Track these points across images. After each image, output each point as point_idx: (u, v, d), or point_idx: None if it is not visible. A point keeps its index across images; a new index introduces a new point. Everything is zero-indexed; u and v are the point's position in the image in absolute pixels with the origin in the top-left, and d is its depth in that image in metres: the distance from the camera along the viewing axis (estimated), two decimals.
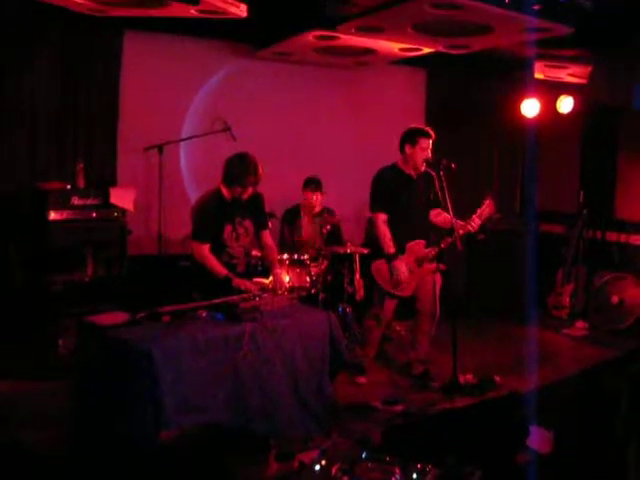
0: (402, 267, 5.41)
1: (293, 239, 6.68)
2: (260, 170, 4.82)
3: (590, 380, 5.39)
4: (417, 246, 5.52)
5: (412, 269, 5.47)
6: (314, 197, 6.69)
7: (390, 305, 5.59)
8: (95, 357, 3.91)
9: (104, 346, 3.86)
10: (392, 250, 5.41)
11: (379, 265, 5.48)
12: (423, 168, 5.53)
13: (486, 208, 5.45)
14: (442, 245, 5.47)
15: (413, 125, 5.62)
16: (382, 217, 5.45)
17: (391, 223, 5.45)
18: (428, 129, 5.53)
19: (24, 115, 6.23)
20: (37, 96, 6.28)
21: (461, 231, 5.31)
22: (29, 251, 6.01)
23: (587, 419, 4.24)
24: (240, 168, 4.78)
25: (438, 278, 5.65)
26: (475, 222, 5.36)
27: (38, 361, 5.55)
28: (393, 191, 5.48)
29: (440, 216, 5.66)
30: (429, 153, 5.47)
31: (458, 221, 5.35)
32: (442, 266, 5.64)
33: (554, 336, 7.30)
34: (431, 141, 5.47)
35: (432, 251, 5.51)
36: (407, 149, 5.48)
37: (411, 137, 5.48)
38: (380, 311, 5.61)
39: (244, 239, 4.98)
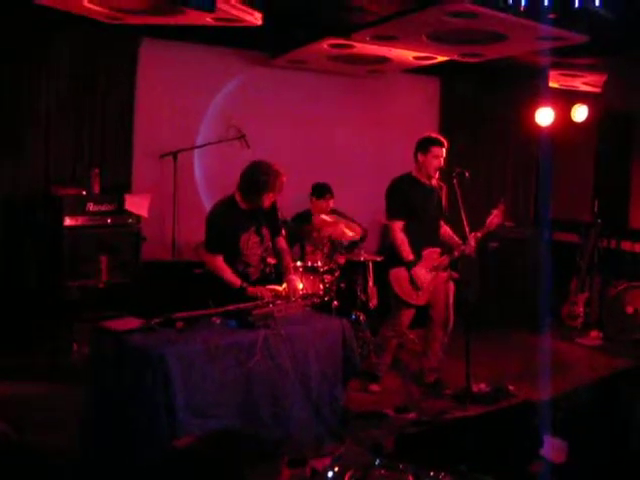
0: (423, 272, 5.41)
1: (303, 245, 6.67)
2: (284, 178, 4.80)
3: (604, 390, 5.36)
4: (432, 254, 5.51)
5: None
6: (325, 205, 6.70)
7: (407, 314, 5.58)
8: (109, 362, 3.92)
9: (118, 351, 3.87)
10: (411, 257, 5.40)
11: (397, 273, 5.46)
12: (437, 176, 5.54)
13: (494, 218, 5.51)
14: (455, 253, 5.49)
15: (427, 134, 5.62)
16: (398, 225, 5.44)
17: (407, 231, 5.45)
18: (441, 138, 5.52)
19: (40, 120, 6.29)
20: (53, 102, 6.34)
21: (456, 253, 5.48)
22: (44, 256, 6.05)
23: (601, 429, 4.21)
24: (264, 178, 4.72)
25: (450, 286, 5.65)
26: (471, 243, 5.42)
27: (53, 365, 5.59)
28: (409, 199, 5.48)
29: (442, 228, 5.72)
30: (442, 162, 5.47)
31: (457, 239, 5.56)
32: (454, 274, 5.64)
33: (568, 346, 7.25)
34: (444, 150, 5.47)
35: (445, 259, 5.53)
36: (420, 157, 5.48)
37: (424, 145, 5.47)
38: (397, 320, 5.61)
39: (260, 247, 4.94)
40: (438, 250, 5.54)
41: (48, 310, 5.92)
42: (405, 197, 5.49)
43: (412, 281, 5.40)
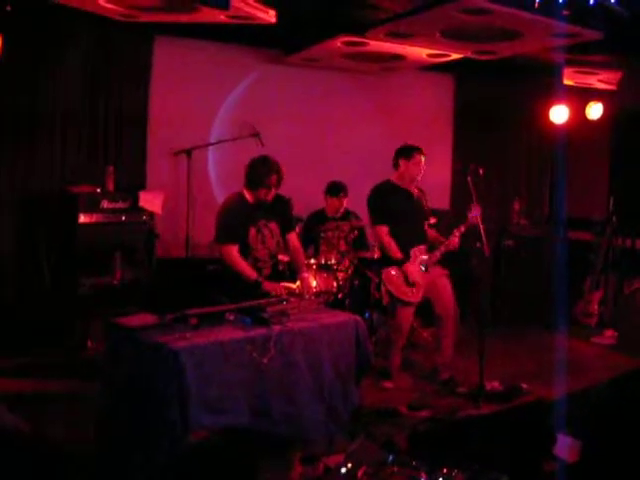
0: (414, 268, 5.49)
1: (317, 243, 6.67)
2: (283, 170, 4.87)
3: (618, 389, 5.33)
4: (420, 251, 5.59)
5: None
6: (339, 203, 6.71)
7: (405, 313, 5.60)
8: (123, 358, 3.94)
9: (132, 347, 3.89)
10: (400, 255, 5.50)
11: (389, 273, 5.54)
12: (416, 183, 5.68)
13: (476, 212, 5.52)
14: (442, 249, 5.58)
15: (407, 143, 5.71)
16: (384, 229, 5.56)
17: (394, 234, 5.55)
18: (421, 148, 5.63)
19: (55, 118, 6.33)
20: (68, 99, 6.38)
21: (443, 249, 5.56)
22: (59, 253, 6.09)
23: (615, 428, 4.19)
24: (263, 170, 4.83)
25: (446, 281, 5.72)
26: (454, 239, 5.55)
27: (67, 361, 5.62)
28: (391, 204, 5.61)
29: (428, 231, 5.81)
30: (422, 169, 5.60)
31: (443, 238, 5.64)
32: (445, 270, 5.73)
33: (582, 344, 7.21)
34: (424, 159, 5.56)
35: (434, 256, 5.60)
36: (402, 163, 5.62)
37: (407, 152, 5.62)
38: (397, 321, 5.62)
39: (269, 241, 4.99)
40: (424, 247, 5.63)
41: (63, 307, 5.96)
42: (387, 202, 5.62)
43: (405, 278, 5.45)
